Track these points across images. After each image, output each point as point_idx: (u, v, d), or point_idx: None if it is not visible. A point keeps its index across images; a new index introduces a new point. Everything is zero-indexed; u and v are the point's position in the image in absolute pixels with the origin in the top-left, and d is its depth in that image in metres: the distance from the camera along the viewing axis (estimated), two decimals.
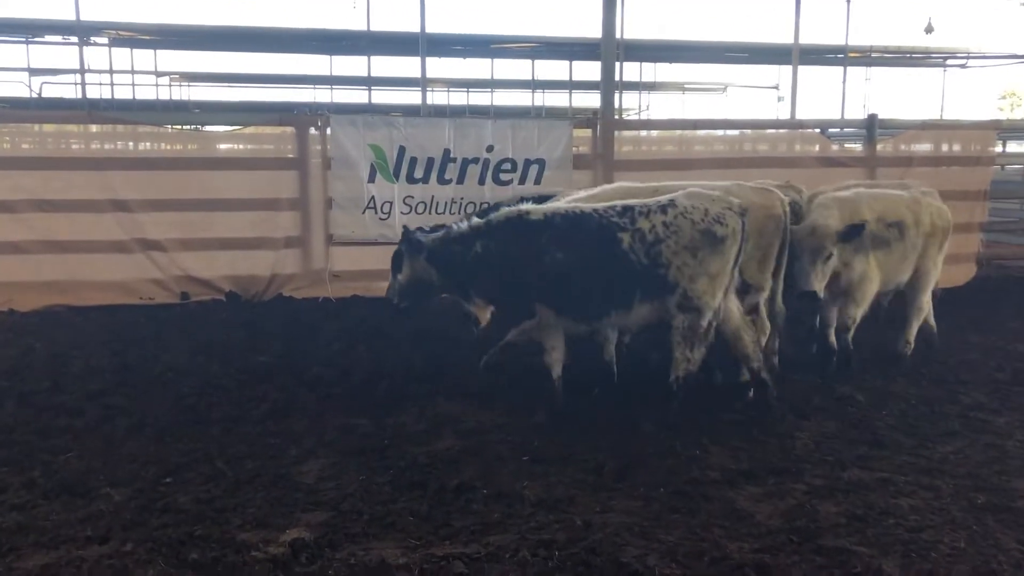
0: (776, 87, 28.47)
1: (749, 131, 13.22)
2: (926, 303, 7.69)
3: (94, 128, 11.26)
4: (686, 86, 31.96)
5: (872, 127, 11.59)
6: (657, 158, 12.12)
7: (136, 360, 7.56)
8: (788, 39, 21.23)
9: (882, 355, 7.61)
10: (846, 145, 13.61)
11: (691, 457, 5.31)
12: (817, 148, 11.93)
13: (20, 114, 16.26)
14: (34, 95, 25.00)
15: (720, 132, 13.49)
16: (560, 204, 6.36)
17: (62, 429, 5.80)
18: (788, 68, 21.68)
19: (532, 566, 3.90)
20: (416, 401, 6.37)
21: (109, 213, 9.89)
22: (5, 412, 6.14)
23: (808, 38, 22.10)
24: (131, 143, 11.35)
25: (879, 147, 11.60)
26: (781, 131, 13.31)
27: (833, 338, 7.19)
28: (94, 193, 9.86)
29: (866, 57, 27.19)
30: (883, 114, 12.36)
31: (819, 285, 6.23)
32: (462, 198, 10.29)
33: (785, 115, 22.22)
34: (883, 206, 7.08)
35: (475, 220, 6.14)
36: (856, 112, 26.92)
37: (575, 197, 6.73)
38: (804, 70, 22.61)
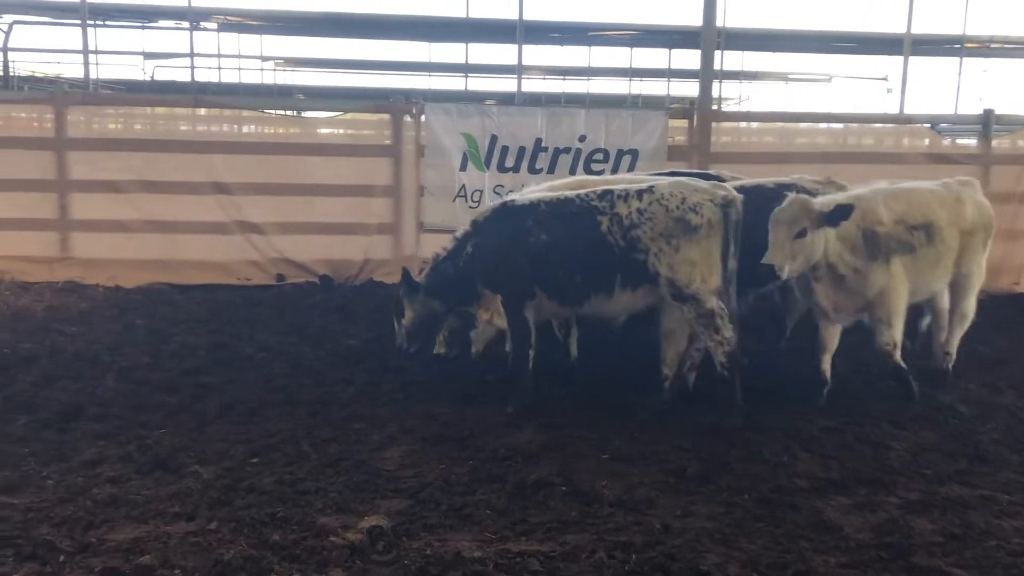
0: (885, 79, 27.38)
1: (854, 125, 12.73)
2: (971, 309, 6.85)
3: (201, 111, 11.64)
4: (789, 76, 31.02)
5: (988, 123, 10.96)
6: (756, 151, 11.82)
7: (231, 339, 7.79)
8: (899, 28, 20.35)
9: (984, 363, 7.20)
10: (958, 141, 12.94)
11: (779, 463, 5.14)
12: (926, 143, 11.43)
13: (129, 97, 16.93)
14: (147, 78, 26.07)
15: (823, 125, 13.00)
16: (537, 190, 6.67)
17: (157, 405, 6.02)
18: (898, 59, 20.76)
19: (608, 568, 3.83)
20: (498, 392, 6.36)
21: (211, 195, 10.22)
22: (105, 386, 6.41)
23: (921, 27, 21.11)
24: (236, 127, 11.70)
25: (994, 143, 11.02)
26: (888, 125, 12.76)
27: (826, 366, 6.32)
28: (198, 175, 10.21)
29: (984, 48, 25.81)
30: (1001, 109, 11.65)
31: (781, 260, 5.74)
32: None
33: (893, 108, 21.31)
34: (906, 206, 6.33)
35: (456, 232, 6.49)
36: (971, 107, 25.64)
37: (534, 188, 6.95)
38: (915, 61, 21.57)
